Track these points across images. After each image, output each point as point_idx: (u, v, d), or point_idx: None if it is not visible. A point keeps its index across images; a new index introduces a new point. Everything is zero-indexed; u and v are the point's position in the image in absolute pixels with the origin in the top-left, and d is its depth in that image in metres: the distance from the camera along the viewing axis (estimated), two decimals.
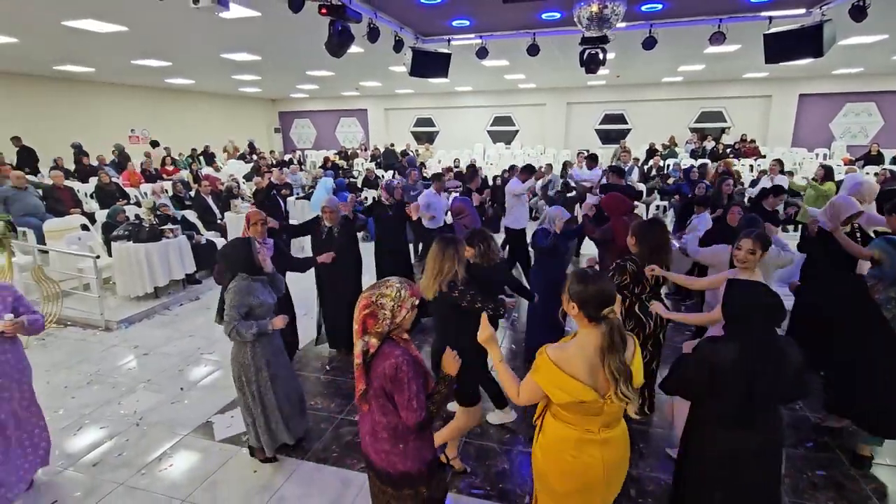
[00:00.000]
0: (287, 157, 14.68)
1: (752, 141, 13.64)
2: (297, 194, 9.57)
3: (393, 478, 1.78)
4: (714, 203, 5.44)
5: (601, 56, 6.77)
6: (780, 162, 8.15)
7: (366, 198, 10.23)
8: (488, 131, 18.17)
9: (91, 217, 7.05)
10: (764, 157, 12.82)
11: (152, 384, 3.99)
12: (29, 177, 7.89)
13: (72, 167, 10.34)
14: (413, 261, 6.37)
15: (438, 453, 2.01)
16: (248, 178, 11.02)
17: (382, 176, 11.80)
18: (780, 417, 1.94)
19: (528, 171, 6.37)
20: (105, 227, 6.14)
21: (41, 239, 6.32)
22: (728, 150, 13.25)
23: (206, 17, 6.20)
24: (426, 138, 18.73)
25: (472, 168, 9.88)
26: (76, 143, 10.82)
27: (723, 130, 15.36)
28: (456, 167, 11.83)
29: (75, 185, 8.80)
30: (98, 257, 5.26)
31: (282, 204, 7.28)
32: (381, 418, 1.73)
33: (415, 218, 4.41)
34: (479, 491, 2.78)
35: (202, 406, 3.66)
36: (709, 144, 13.83)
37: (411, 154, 14.84)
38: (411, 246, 6.75)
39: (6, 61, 9.56)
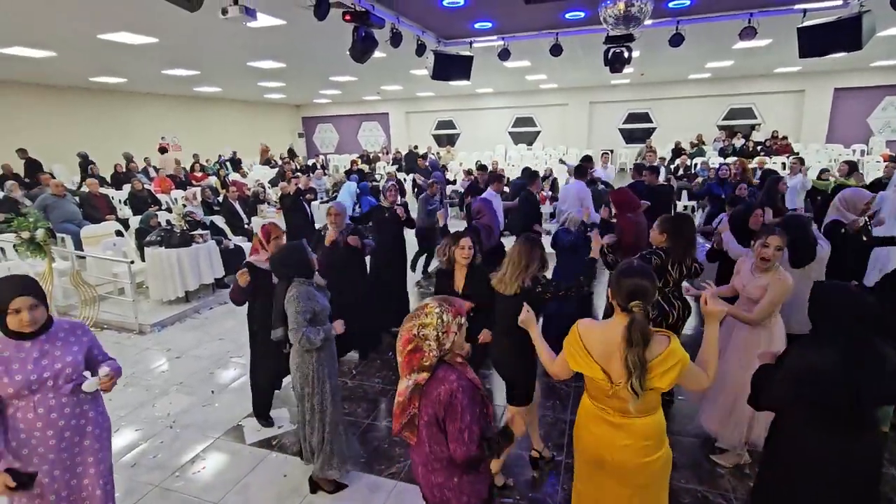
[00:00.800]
0: (311, 162, 14.88)
1: (784, 138, 13.22)
2: (321, 199, 9.69)
3: None
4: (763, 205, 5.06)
5: (626, 55, 6.65)
6: (800, 160, 7.71)
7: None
8: (509, 132, 18.09)
9: (125, 223, 7.29)
10: (797, 153, 12.40)
11: (184, 387, 4.09)
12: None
13: (78, 175, 10.66)
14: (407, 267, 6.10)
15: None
16: (273, 183, 11.23)
17: (405, 180, 11.85)
18: (877, 420, 1.87)
19: (497, 178, 6.01)
20: (138, 232, 6.33)
21: (78, 245, 6.55)
22: (759, 148, 12.86)
23: (234, 27, 6.34)
24: (447, 141, 18.76)
25: (495, 172, 9.88)
26: (82, 153, 11.04)
27: (753, 127, 14.92)
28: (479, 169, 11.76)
29: (110, 191, 9.12)
30: (132, 262, 5.42)
31: (307, 209, 7.38)
32: (433, 448, 1.60)
33: (442, 224, 4.38)
34: (509, 500, 2.74)
35: (232, 409, 3.72)
36: (738, 142, 13.45)
37: (433, 157, 14.86)
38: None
39: (45, 75, 9.98)
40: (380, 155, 16.56)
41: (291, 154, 16.16)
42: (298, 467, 3.05)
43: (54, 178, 8.47)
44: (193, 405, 3.80)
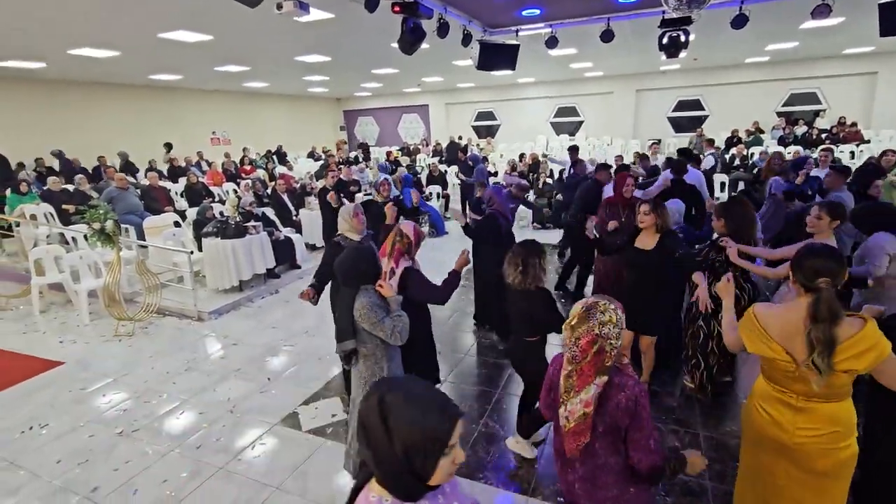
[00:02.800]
0: (353, 155, 15.10)
1: (854, 124, 12.25)
2: (365, 191, 9.81)
3: None
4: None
5: (683, 38, 6.33)
6: (829, 150, 6.85)
7: (430, 194, 10.31)
8: (551, 123, 17.68)
9: (182, 214, 7.64)
10: (867, 141, 11.49)
11: (242, 373, 4.25)
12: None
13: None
14: None
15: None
16: (318, 175, 11.46)
17: (446, 171, 11.81)
18: None
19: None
20: (195, 223, 6.61)
21: (141, 235, 6.93)
22: (824, 136, 11.99)
23: (283, 22, 6.46)
24: (487, 132, 18.57)
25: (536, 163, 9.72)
26: (123, 153, 11.19)
27: (816, 113, 13.92)
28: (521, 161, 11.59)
29: (167, 184, 9.58)
30: (191, 252, 5.68)
31: (346, 202, 7.48)
32: (609, 460, 1.52)
33: (462, 224, 4.36)
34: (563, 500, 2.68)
35: (287, 397, 3.83)
36: (800, 129, 12.60)
37: (474, 150, 14.74)
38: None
39: (109, 73, 10.54)
40: (420, 147, 16.59)
41: (365, 150, 15.60)
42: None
43: (118, 171, 8.97)
44: (251, 391, 3.94)
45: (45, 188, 7.89)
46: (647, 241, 3.31)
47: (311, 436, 3.34)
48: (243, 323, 5.37)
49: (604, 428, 1.51)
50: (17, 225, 7.12)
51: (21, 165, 9.47)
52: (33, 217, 7.18)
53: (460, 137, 16.13)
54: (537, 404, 2.45)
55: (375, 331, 2.33)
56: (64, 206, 7.44)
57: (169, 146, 12.56)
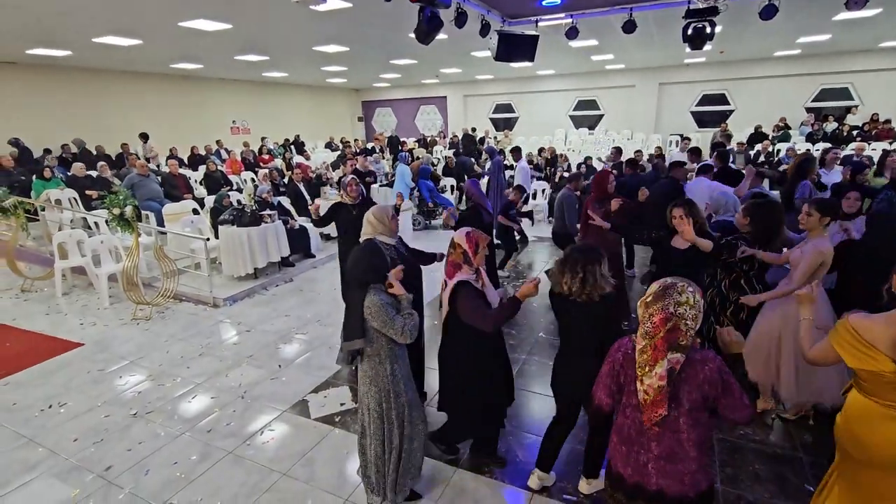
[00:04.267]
0: (370, 146, 15.12)
1: (887, 121, 11.77)
2: (381, 182, 9.81)
3: (696, 501, 1.65)
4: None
5: (709, 30, 6.14)
6: (837, 150, 6.49)
7: (445, 187, 10.27)
8: (570, 116, 17.42)
9: (201, 202, 7.74)
10: None
11: (254, 359, 4.30)
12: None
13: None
14: None
15: None
16: (334, 166, 11.51)
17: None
18: None
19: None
20: (212, 211, 6.70)
21: (160, 221, 7.05)
22: (855, 133, 11.56)
23: (302, 11, 6.46)
24: (504, 125, 18.39)
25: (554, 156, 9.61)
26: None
27: (848, 109, 13.41)
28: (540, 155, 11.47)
29: (187, 172, 9.72)
30: (208, 239, 5.75)
31: (363, 191, 7.48)
32: (691, 434, 1.61)
33: (451, 224, 4.23)
34: (572, 498, 2.65)
35: (297, 384, 3.87)
36: (830, 126, 12.16)
37: (490, 143, 14.62)
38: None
39: (131, 62, 10.71)
40: (437, 139, 16.52)
41: (394, 143, 15.17)
42: None
43: (139, 159, 9.13)
44: (262, 378, 3.99)
45: (69, 174, 8.08)
46: (681, 240, 3.25)
47: (320, 423, 3.36)
48: (257, 310, 5.43)
49: (690, 404, 1.59)
50: (43, 209, 7.31)
51: (47, 151, 9.72)
52: (58, 202, 7.36)
53: (474, 129, 15.98)
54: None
55: (385, 329, 2.27)
56: (87, 192, 7.62)
57: (145, 136, 11.66)
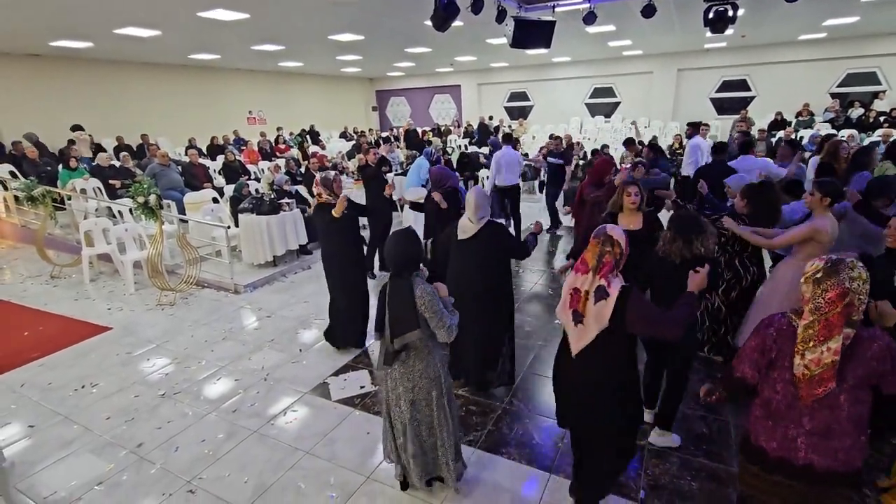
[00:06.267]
0: (385, 135, 15.13)
1: None
2: (396, 171, 9.85)
3: (847, 477, 1.66)
4: None
5: (731, 13, 5.99)
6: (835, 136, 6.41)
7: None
8: (586, 104, 17.18)
9: (220, 191, 7.88)
10: None
11: (275, 344, 4.41)
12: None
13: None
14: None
15: None
16: (349, 155, 11.58)
17: (478, 155, 11.67)
18: None
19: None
20: (232, 200, 6.82)
21: (181, 210, 7.20)
22: (882, 118, 11.20)
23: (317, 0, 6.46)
24: (519, 113, 18.23)
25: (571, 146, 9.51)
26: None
27: (875, 95, 12.97)
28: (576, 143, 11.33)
29: (206, 162, 9.87)
30: (228, 227, 5.87)
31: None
32: (851, 410, 1.63)
33: (444, 206, 4.18)
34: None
35: (317, 368, 3.96)
36: (856, 112, 11.80)
37: (494, 136, 14.49)
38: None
39: (151, 53, 10.86)
40: (451, 128, 16.46)
41: (411, 135, 14.62)
42: (380, 425, 3.19)
43: (160, 149, 9.28)
44: (284, 361, 4.09)
45: (94, 164, 8.27)
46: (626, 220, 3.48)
47: (340, 405, 3.45)
48: (277, 297, 5.55)
49: (854, 380, 1.61)
50: (69, 199, 7.52)
51: (71, 142, 9.94)
52: (83, 191, 7.56)
53: (490, 118, 15.87)
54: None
55: (434, 321, 2.22)
56: (111, 182, 7.80)
57: (76, 127, 10.31)
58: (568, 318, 2.09)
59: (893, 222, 2.60)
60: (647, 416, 3.00)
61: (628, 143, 8.06)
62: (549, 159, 7.97)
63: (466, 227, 3.18)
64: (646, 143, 8.94)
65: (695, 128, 7.82)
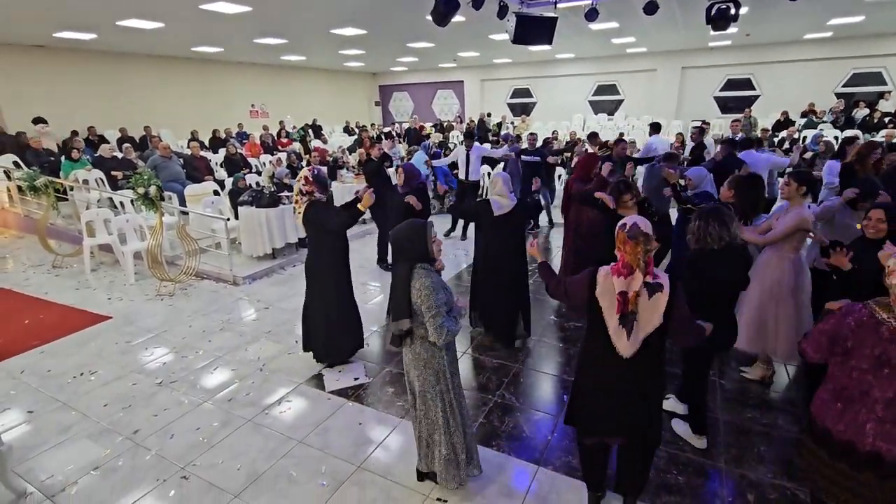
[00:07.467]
0: (387, 130, 15.14)
1: None
2: (397, 166, 9.86)
3: None
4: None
5: (733, 11, 5.98)
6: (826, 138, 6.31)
7: (456, 173, 10.24)
8: (589, 101, 17.14)
9: (221, 184, 7.91)
10: None
11: (272, 335, 4.45)
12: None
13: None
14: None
15: None
16: (351, 150, 11.58)
17: None
18: None
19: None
20: (231, 192, 6.85)
21: (182, 202, 7.24)
22: (887, 119, 11.14)
23: None
24: (522, 110, 18.19)
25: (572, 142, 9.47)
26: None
27: (880, 95, 12.90)
28: (554, 138, 11.33)
29: (208, 154, 9.90)
30: (228, 220, 5.91)
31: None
32: None
33: (419, 208, 4.36)
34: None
35: (313, 359, 3.99)
36: (860, 112, 11.73)
37: (508, 129, 14.48)
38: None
39: (154, 45, 10.89)
40: (454, 124, 16.45)
41: (411, 133, 14.56)
42: (373, 417, 3.24)
43: (161, 141, 9.32)
44: (280, 352, 4.13)
45: (96, 155, 8.31)
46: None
47: (334, 396, 3.49)
48: (275, 289, 5.59)
49: None
50: (72, 189, 7.57)
51: (75, 133, 9.99)
52: (85, 182, 7.61)
53: (489, 114, 15.82)
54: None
55: (427, 316, 2.17)
56: (113, 173, 7.85)
57: (38, 120, 9.44)
58: (615, 323, 1.97)
59: (873, 214, 2.62)
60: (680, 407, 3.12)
61: (591, 136, 7.74)
62: (524, 157, 7.51)
63: (504, 204, 3.79)
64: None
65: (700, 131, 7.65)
